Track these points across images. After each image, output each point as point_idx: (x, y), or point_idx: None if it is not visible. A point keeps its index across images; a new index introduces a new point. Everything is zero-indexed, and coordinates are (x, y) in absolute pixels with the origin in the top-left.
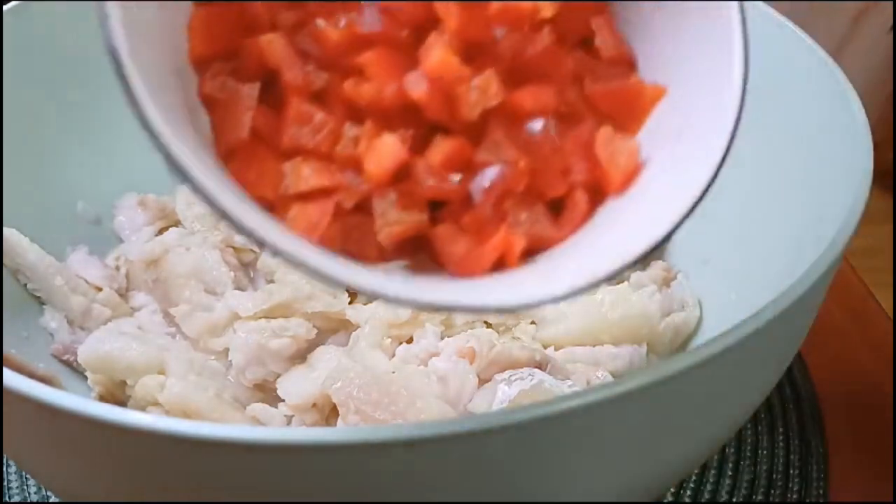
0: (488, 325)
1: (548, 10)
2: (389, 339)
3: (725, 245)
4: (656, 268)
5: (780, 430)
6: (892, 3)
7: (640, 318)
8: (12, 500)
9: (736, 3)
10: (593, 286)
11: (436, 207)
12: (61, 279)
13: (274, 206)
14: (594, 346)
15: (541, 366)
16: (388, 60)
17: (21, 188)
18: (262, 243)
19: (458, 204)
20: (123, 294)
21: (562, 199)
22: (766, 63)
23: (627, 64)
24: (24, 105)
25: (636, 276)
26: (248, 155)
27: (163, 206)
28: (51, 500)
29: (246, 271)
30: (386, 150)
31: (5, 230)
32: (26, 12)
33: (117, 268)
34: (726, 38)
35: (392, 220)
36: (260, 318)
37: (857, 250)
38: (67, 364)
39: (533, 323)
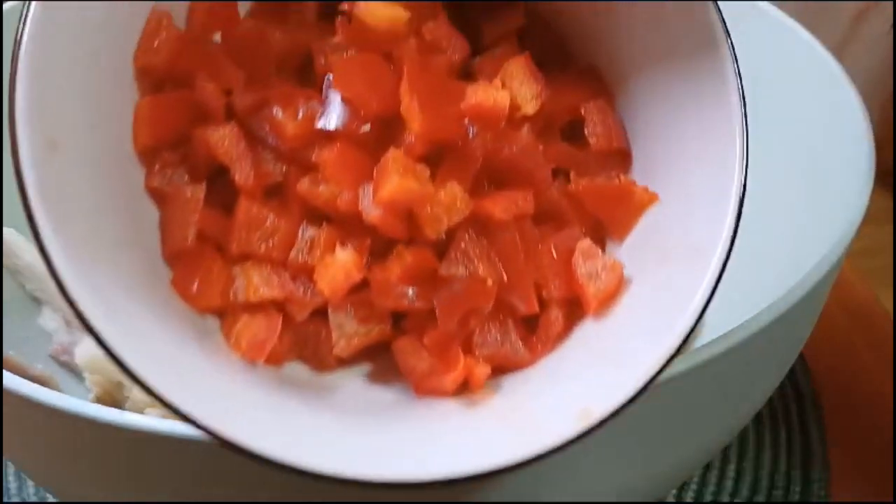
0: None
1: (530, 108)
2: None
3: None
4: None
5: (782, 430)
6: (892, 3)
7: None
8: (11, 502)
9: (740, 118)
10: (557, 450)
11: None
12: None
13: (222, 313)
14: None
15: None
16: (346, 162)
17: None
18: (177, 412)
19: (422, 315)
20: None
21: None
22: (767, 62)
23: (619, 155)
24: None
25: None
26: (194, 260)
27: None
28: (48, 501)
29: None
30: (339, 269)
31: (4, 230)
32: None
33: None
34: (727, 156)
35: (349, 332)
36: None
37: (858, 250)
38: (66, 365)
39: None
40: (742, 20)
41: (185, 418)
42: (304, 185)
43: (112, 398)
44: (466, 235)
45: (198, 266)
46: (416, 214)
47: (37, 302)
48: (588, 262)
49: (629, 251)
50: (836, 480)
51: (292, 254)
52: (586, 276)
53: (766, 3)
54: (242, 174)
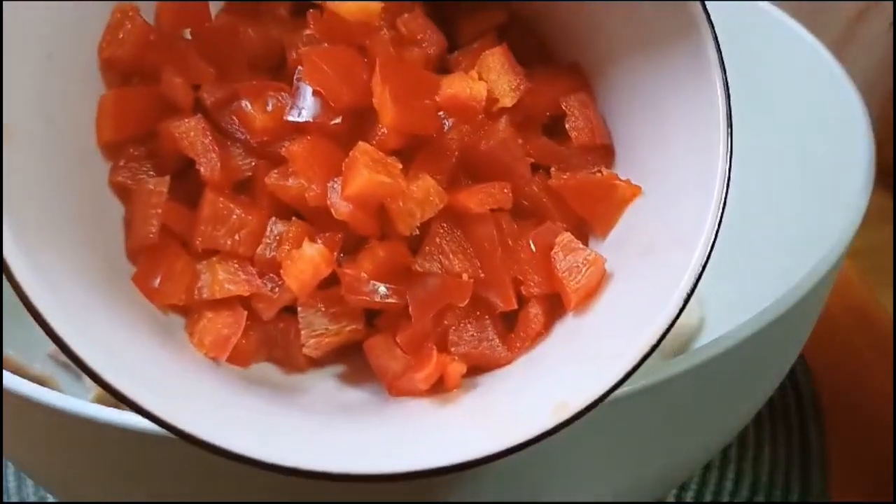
0: None
1: (508, 100)
2: None
3: (728, 245)
4: None
5: (782, 430)
6: (892, 2)
7: None
8: (10, 501)
9: (723, 102)
10: (532, 443)
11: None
12: None
13: (186, 311)
14: None
15: None
16: (316, 155)
17: None
18: (137, 410)
19: (396, 313)
20: None
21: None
22: (767, 62)
23: (602, 150)
24: None
25: None
26: (157, 255)
27: None
28: (47, 501)
29: None
30: (306, 263)
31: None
32: None
33: None
34: (711, 142)
35: (320, 331)
36: None
37: (858, 250)
38: (65, 365)
39: None
40: (742, 20)
41: (147, 414)
42: (272, 178)
43: (111, 398)
44: (441, 230)
45: (161, 262)
46: (388, 209)
47: None
48: (568, 257)
49: (611, 246)
50: (836, 480)
51: (259, 249)
52: (566, 271)
53: (766, 3)
54: (208, 166)
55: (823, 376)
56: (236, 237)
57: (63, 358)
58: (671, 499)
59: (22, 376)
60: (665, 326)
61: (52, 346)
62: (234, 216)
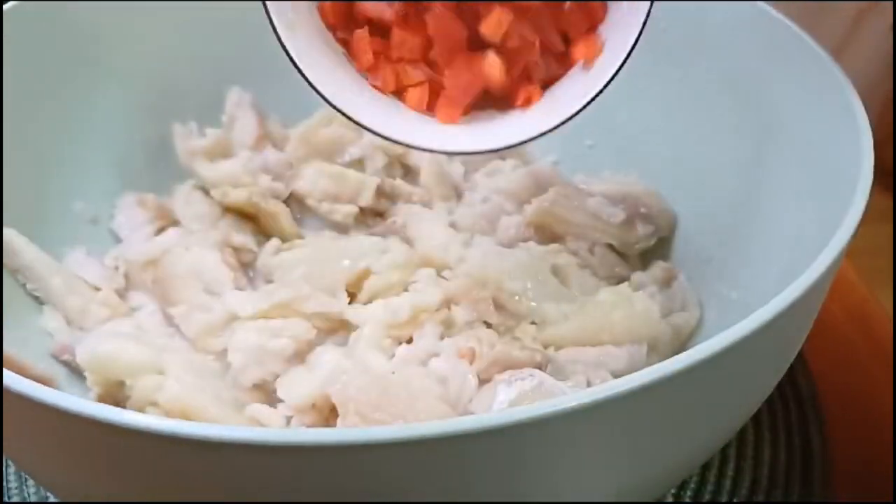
0: (488, 326)
1: None
2: (389, 340)
3: (727, 245)
4: (657, 267)
5: (782, 430)
6: (892, 3)
7: (641, 318)
8: (11, 501)
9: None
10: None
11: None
12: (59, 279)
13: (397, 93)
14: (595, 346)
15: (541, 366)
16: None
17: (19, 188)
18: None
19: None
20: (122, 294)
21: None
22: (767, 62)
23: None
24: (22, 104)
25: (637, 276)
26: (376, 68)
27: (162, 206)
28: (49, 501)
29: (245, 271)
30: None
31: (4, 230)
32: (25, 12)
33: (116, 268)
34: None
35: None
36: (259, 318)
37: (858, 250)
38: (67, 364)
39: (534, 323)
40: (742, 20)
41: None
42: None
43: (113, 397)
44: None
45: (378, 69)
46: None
47: (37, 302)
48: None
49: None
50: (836, 480)
51: (430, 55)
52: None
53: (766, 3)
54: (387, 14)
55: (823, 376)
56: (412, 49)
57: (64, 358)
58: (670, 498)
59: (22, 376)
60: (619, 63)
61: (54, 346)
62: (409, 40)
